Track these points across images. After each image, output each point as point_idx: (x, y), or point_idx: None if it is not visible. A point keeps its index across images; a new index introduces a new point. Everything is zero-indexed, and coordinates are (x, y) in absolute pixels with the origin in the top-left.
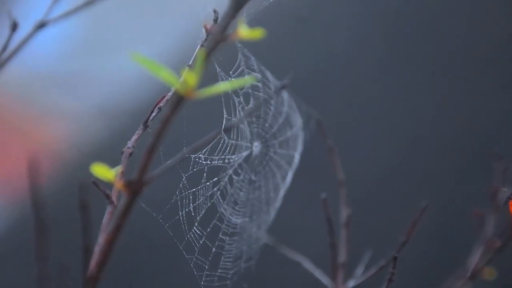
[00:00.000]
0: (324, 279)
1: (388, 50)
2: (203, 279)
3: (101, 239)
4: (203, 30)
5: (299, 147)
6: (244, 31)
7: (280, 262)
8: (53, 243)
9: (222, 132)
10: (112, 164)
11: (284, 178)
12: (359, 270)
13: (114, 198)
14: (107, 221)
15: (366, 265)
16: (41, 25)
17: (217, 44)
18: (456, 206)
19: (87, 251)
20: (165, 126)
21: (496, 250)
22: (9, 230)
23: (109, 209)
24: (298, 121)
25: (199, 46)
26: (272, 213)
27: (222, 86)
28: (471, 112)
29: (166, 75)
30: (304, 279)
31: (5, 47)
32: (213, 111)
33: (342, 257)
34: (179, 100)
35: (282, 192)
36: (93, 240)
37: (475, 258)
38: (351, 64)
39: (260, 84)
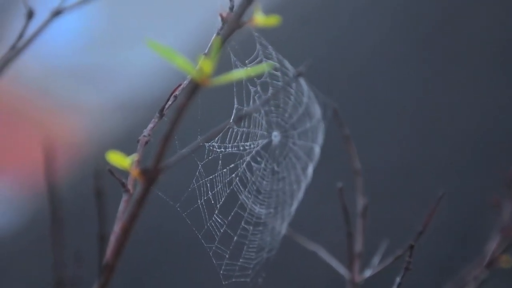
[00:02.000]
0: (341, 268)
1: (406, 43)
2: (223, 268)
3: (116, 228)
4: (219, 19)
5: (319, 139)
6: (260, 18)
7: (297, 252)
8: (69, 234)
9: (231, 122)
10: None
11: (304, 170)
12: (376, 260)
13: (130, 186)
14: (123, 209)
15: (383, 255)
16: (57, 13)
17: (233, 31)
18: (472, 196)
19: (103, 239)
20: (181, 114)
21: None
22: (28, 222)
23: (125, 197)
24: (317, 112)
25: (215, 35)
26: (295, 205)
27: (237, 74)
28: (486, 106)
29: (181, 63)
30: (321, 269)
31: (21, 35)
32: (228, 101)
33: (358, 246)
34: (194, 87)
35: (303, 185)
36: (109, 229)
37: (492, 246)
38: (371, 59)
39: (279, 73)
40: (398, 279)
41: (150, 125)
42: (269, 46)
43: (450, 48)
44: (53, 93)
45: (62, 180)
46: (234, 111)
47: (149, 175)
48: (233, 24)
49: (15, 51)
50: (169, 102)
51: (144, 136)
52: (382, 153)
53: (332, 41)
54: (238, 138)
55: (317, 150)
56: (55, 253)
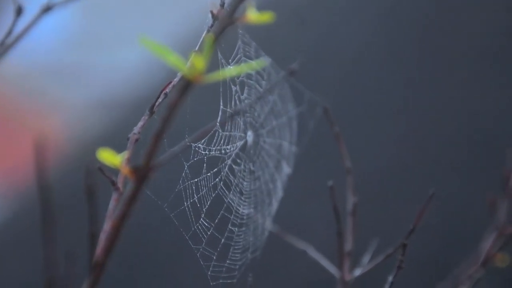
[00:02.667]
0: (331, 268)
1: (395, 43)
2: (210, 269)
3: (107, 226)
4: (210, 15)
5: (288, 136)
6: (253, 15)
7: (285, 251)
8: (57, 231)
9: (217, 125)
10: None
11: (277, 168)
12: (366, 259)
13: (120, 185)
14: (113, 207)
15: (373, 254)
16: (47, 9)
17: (225, 28)
18: (466, 195)
19: (94, 238)
20: (173, 112)
21: (509, 236)
22: (12, 220)
23: (115, 195)
24: (289, 109)
25: (205, 32)
26: (275, 204)
27: (231, 71)
28: (475, 105)
29: (174, 60)
30: (310, 269)
31: (10, 32)
32: (213, 99)
33: (348, 245)
34: (187, 84)
35: (280, 183)
36: (99, 227)
37: (487, 244)
38: (357, 59)
39: (253, 72)
40: (390, 278)
41: (140, 123)
42: (253, 43)
43: (444, 47)
44: (35, 91)
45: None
46: (220, 112)
47: (141, 173)
48: (226, 20)
49: (4, 48)
50: (159, 100)
51: (134, 133)
52: (373, 152)
53: (323, 38)
54: (221, 141)
55: (286, 146)
56: (46, 252)
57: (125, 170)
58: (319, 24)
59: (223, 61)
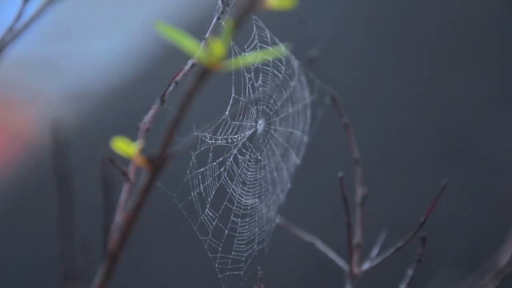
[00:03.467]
0: (339, 261)
1: (370, 41)
2: (217, 261)
3: (119, 218)
4: (219, 2)
5: (302, 125)
6: (273, 0)
7: (294, 244)
8: (26, 219)
9: (227, 114)
10: (85, 147)
11: (284, 157)
12: (375, 251)
13: (132, 175)
14: (125, 199)
15: (382, 246)
16: None
17: (246, 13)
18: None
19: (108, 229)
20: (189, 100)
21: None
22: None
23: (126, 186)
24: (306, 97)
25: (215, 19)
26: (282, 195)
27: (250, 58)
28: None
29: (190, 45)
30: (318, 261)
31: (18, 18)
32: (223, 86)
33: (357, 237)
34: (204, 72)
35: (286, 173)
36: (112, 218)
37: (505, 251)
38: (334, 55)
39: (270, 58)
40: (410, 272)
41: (151, 112)
42: (266, 30)
43: (412, 53)
44: (10, 85)
45: (17, 170)
46: (231, 101)
47: (156, 163)
48: (246, 5)
49: (13, 34)
50: (170, 88)
51: (145, 123)
52: (380, 143)
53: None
54: (229, 131)
55: (297, 136)
56: (63, 245)
57: (139, 160)
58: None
59: (235, 47)
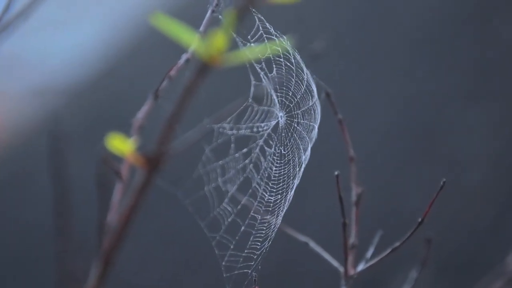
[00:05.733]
0: (334, 261)
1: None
2: (226, 259)
3: (113, 218)
4: None
5: (318, 118)
6: None
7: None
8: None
9: (250, 100)
10: (50, 144)
11: (305, 151)
12: (370, 252)
13: (125, 174)
14: (118, 199)
15: (377, 247)
16: None
17: (248, 5)
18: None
19: (101, 230)
20: (188, 96)
21: None
22: None
23: (120, 186)
24: (315, 90)
25: (209, 12)
26: (292, 191)
27: (256, 50)
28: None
29: (188, 38)
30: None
31: (6, 9)
32: (234, 79)
33: (352, 238)
34: (204, 66)
35: (302, 168)
36: (105, 218)
37: None
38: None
39: (280, 50)
40: (414, 274)
41: (145, 108)
42: (266, 23)
43: (378, 48)
44: None
45: None
46: (252, 88)
47: (153, 162)
48: None
49: (2, 26)
50: (164, 83)
51: (138, 119)
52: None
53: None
54: (256, 117)
55: (316, 131)
56: (58, 246)
57: (135, 159)
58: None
59: (238, 39)
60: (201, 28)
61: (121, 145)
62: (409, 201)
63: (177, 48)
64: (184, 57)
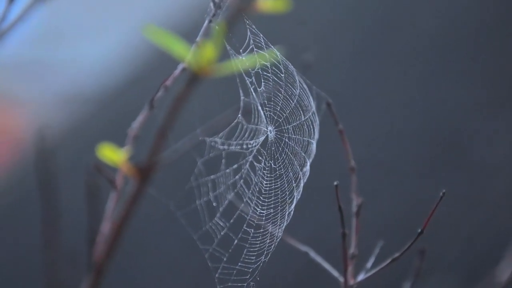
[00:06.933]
0: (334, 271)
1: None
2: (219, 271)
3: (106, 228)
4: (211, 5)
5: (316, 134)
6: (266, 2)
7: (286, 253)
8: (12, 227)
9: (240, 116)
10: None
11: (302, 166)
12: (370, 263)
13: (119, 183)
14: (112, 208)
15: (377, 257)
16: None
17: (237, 15)
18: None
19: (92, 239)
20: (178, 107)
21: None
22: None
23: (113, 195)
24: (312, 105)
25: (206, 21)
26: (293, 205)
27: (244, 62)
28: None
29: (180, 49)
30: (312, 271)
31: (3, 18)
32: (225, 92)
33: (352, 248)
34: (194, 77)
35: (302, 183)
36: (98, 227)
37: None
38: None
39: (268, 64)
40: (407, 286)
41: (140, 118)
42: (261, 35)
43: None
44: None
45: (5, 175)
46: (241, 103)
47: (144, 171)
48: (238, 7)
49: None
50: (159, 93)
51: (133, 129)
52: (375, 150)
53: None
54: (245, 135)
55: (313, 145)
56: (47, 255)
57: (126, 169)
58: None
59: (231, 51)
60: (198, 38)
61: (113, 155)
62: (441, 210)
63: None
64: (180, 67)
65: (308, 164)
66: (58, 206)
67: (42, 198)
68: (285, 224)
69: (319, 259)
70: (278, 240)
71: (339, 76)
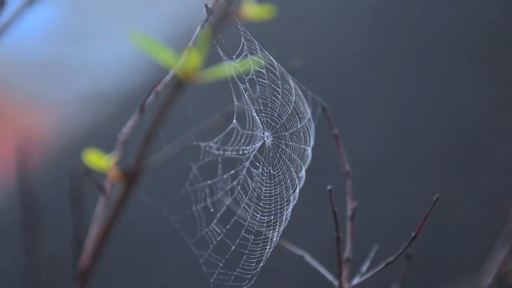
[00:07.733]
0: (328, 275)
1: (383, 48)
2: (214, 277)
3: (93, 232)
4: (204, 10)
5: (311, 141)
6: (251, 9)
7: (282, 257)
8: (41, 234)
9: (235, 121)
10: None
11: (297, 173)
12: (365, 267)
13: (107, 188)
14: (100, 212)
15: (373, 261)
16: (30, 2)
17: (221, 22)
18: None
19: (78, 244)
20: (164, 112)
21: None
22: None
23: (102, 200)
24: (308, 111)
25: (199, 27)
26: (289, 211)
27: (225, 68)
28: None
29: (165, 56)
30: (307, 275)
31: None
32: (220, 98)
33: (347, 251)
34: (179, 83)
35: (298, 189)
36: (84, 232)
37: (498, 257)
38: (344, 59)
39: (264, 70)
40: None
41: (130, 123)
42: (255, 41)
43: (426, 58)
44: (21, 88)
45: (32, 175)
46: (235, 108)
47: (130, 176)
48: (222, 14)
49: None
50: (150, 98)
51: (123, 133)
52: (369, 152)
53: (319, 37)
54: (241, 141)
55: (309, 152)
56: (28, 255)
57: (113, 173)
58: (316, 23)
59: (225, 57)
60: (190, 44)
61: (98, 160)
62: (461, 211)
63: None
64: (171, 72)
65: (304, 170)
66: (39, 215)
67: (23, 207)
68: (282, 229)
69: (314, 263)
70: (275, 244)
71: (341, 78)
